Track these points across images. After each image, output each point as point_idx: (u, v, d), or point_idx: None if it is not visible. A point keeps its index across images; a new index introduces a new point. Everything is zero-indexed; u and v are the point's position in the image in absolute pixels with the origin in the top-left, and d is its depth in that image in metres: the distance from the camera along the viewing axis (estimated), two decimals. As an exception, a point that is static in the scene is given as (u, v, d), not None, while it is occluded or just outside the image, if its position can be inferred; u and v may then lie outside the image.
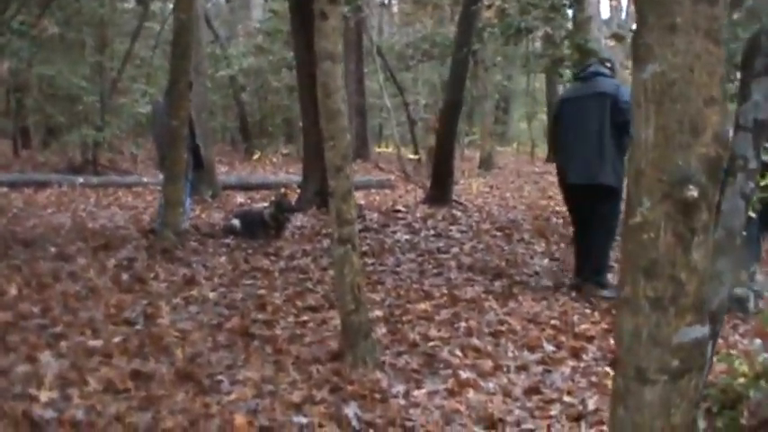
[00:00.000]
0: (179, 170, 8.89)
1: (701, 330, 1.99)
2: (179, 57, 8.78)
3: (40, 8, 13.58)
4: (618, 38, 12.14)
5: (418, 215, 12.17)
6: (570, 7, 11.87)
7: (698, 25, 1.88)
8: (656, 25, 1.93)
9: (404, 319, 6.12)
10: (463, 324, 6.00)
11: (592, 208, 7.21)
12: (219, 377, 4.69)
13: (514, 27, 10.42)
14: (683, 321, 1.95)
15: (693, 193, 1.86)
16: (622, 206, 6.97)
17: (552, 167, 22.73)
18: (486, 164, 23.60)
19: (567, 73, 12.23)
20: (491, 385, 4.75)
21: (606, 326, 6.09)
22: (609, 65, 7.42)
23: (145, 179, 16.85)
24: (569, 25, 12.63)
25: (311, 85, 11.97)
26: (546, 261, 8.77)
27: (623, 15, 33.10)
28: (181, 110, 8.73)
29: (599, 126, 6.97)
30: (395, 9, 29.08)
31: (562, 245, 9.76)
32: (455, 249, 9.33)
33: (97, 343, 5.26)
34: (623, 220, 2.05)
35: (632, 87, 2.00)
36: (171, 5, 21.44)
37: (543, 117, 33.31)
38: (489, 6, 12.95)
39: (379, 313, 6.14)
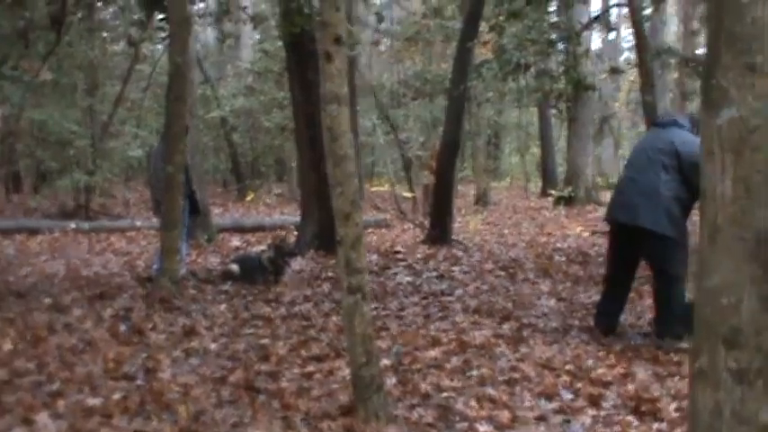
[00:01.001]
0: (175, 217, 8.70)
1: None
2: (174, 100, 8.62)
3: (39, 56, 13.49)
4: (617, 71, 12.10)
5: (418, 256, 11.98)
6: (567, 42, 11.79)
7: (780, 65, 1.70)
8: (732, 65, 1.74)
9: (413, 367, 5.91)
10: (475, 372, 5.79)
11: (639, 255, 7.01)
12: (226, 437, 4.48)
13: (513, 63, 10.31)
14: (771, 397, 1.75)
15: (781, 252, 1.67)
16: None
17: (547, 203, 22.77)
18: (483, 200, 23.49)
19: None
20: (510, 439, 4.55)
21: (622, 370, 5.90)
22: (691, 120, 7.23)
23: (138, 223, 16.64)
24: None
25: (307, 125, 11.91)
26: (553, 301, 8.58)
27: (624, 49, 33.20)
28: (177, 155, 8.55)
29: (656, 172, 6.69)
30: (382, 48, 29.07)
31: (568, 284, 9.58)
32: (459, 291, 9.14)
33: (96, 401, 5.05)
34: (697, 283, 1.84)
35: (703, 134, 1.80)
36: (161, 47, 21.45)
37: (536, 151, 33.36)
38: (485, 43, 12.88)
39: (386, 362, 5.93)
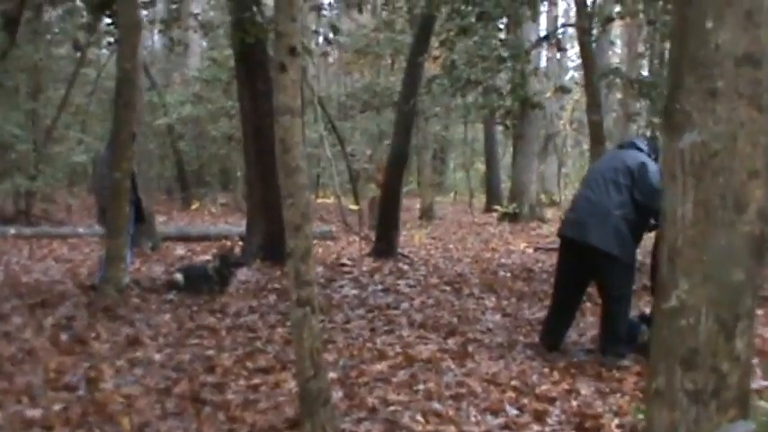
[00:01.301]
0: (121, 224, 8.59)
1: (746, 426, 1.81)
2: (123, 106, 8.53)
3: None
4: (565, 90, 12.22)
5: (364, 269, 11.96)
6: (516, 60, 11.89)
7: (741, 91, 1.72)
8: (695, 89, 1.76)
9: (360, 381, 5.89)
10: (422, 386, 5.78)
11: (589, 276, 7.05)
12: (170, 449, 4.42)
13: (464, 79, 10.37)
14: (725, 416, 1.76)
15: (740, 275, 1.69)
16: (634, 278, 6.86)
17: (491, 219, 22.90)
18: (428, 214, 23.55)
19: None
20: (457, 454, 4.55)
21: (567, 386, 5.94)
22: (649, 144, 7.29)
23: (80, 230, 16.41)
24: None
25: (255, 136, 11.85)
26: (498, 317, 8.61)
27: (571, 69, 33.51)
28: (124, 161, 8.45)
29: (609, 191, 6.74)
30: (330, 59, 29.04)
31: (512, 299, 9.64)
32: (405, 305, 9.14)
33: (36, 412, 4.96)
34: (655, 303, 1.86)
35: (665, 158, 1.82)
36: (106, 51, 21.21)
37: (481, 166, 33.56)
38: (435, 58, 12.93)
39: (333, 375, 5.90)
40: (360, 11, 11.92)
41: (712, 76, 1.76)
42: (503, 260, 13.90)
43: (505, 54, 11.47)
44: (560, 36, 12.02)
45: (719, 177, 1.73)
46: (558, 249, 7.42)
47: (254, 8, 9.98)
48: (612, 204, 6.67)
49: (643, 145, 7.15)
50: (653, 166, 6.92)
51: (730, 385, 1.77)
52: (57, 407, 5.06)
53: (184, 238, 15.97)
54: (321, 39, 16.52)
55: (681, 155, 1.80)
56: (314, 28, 17.62)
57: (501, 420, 5.15)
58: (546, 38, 12.02)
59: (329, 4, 17.22)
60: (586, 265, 6.91)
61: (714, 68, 1.76)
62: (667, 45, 16.34)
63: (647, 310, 7.72)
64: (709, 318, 1.74)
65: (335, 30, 11.94)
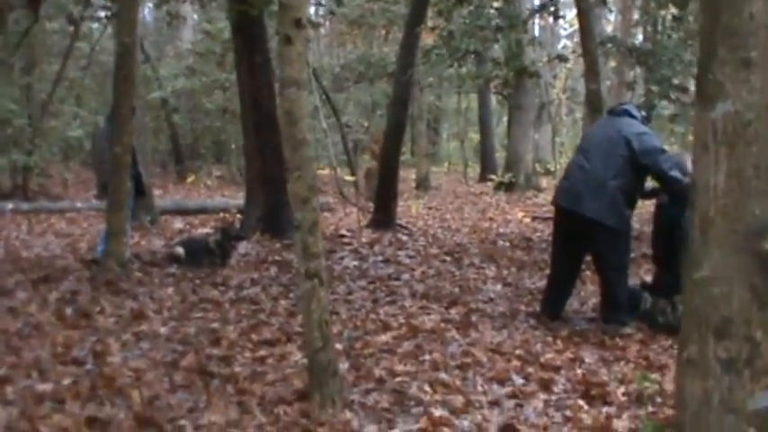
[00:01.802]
0: (123, 198, 8.59)
1: (780, 394, 1.83)
2: (122, 80, 8.49)
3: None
4: (562, 59, 12.19)
5: (364, 240, 11.98)
6: (512, 29, 11.85)
7: (775, 60, 1.73)
8: (728, 60, 1.76)
9: (365, 352, 5.92)
10: (428, 357, 5.82)
11: (585, 244, 7.05)
12: (182, 422, 4.44)
13: (462, 49, 10.34)
14: (759, 385, 1.78)
15: (773, 244, 1.70)
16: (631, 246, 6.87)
17: (487, 188, 22.92)
18: (423, 185, 23.56)
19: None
20: (465, 423, 4.58)
21: (571, 355, 5.98)
22: (644, 113, 7.30)
23: (78, 204, 16.38)
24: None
25: (253, 108, 11.83)
26: (499, 287, 8.66)
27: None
28: (124, 136, 8.43)
29: (604, 161, 6.75)
30: (322, 31, 28.92)
31: (513, 269, 9.68)
32: (406, 276, 9.17)
33: (46, 387, 4.97)
34: (687, 273, 1.87)
35: (697, 128, 1.83)
36: (97, 25, 21.07)
37: (475, 136, 33.55)
38: (433, 29, 12.89)
39: (338, 346, 5.93)
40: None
41: (746, 45, 1.76)
42: (501, 230, 13.94)
43: (503, 24, 11.42)
44: (557, 5, 11.96)
45: (753, 147, 1.74)
46: (553, 218, 7.44)
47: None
48: (608, 175, 6.68)
49: (635, 111, 7.16)
50: (647, 132, 6.94)
51: (763, 353, 1.78)
52: (66, 381, 5.08)
53: (182, 212, 15.96)
54: (321, 11, 16.42)
55: (713, 125, 1.80)
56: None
57: (508, 389, 5.19)
58: (543, 7, 11.98)
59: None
60: (581, 234, 6.93)
61: (748, 38, 1.76)
62: (662, 12, 16.31)
63: (648, 279, 7.77)
64: (742, 286, 1.75)
65: (339, 1, 11.89)
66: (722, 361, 1.79)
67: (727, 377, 1.79)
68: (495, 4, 13.15)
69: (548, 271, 8.56)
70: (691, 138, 25.34)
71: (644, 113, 7.26)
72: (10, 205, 15.80)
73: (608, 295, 6.89)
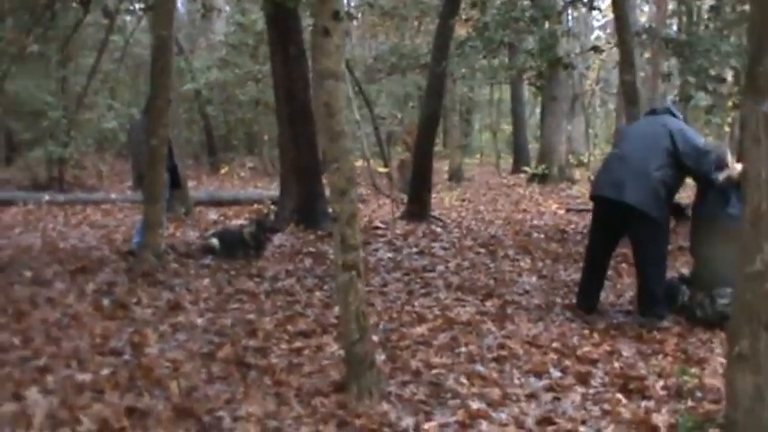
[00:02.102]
0: (159, 190, 8.63)
1: (831, 390, 1.80)
2: (160, 73, 8.52)
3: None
4: (597, 50, 12.11)
5: (398, 231, 11.98)
6: (547, 20, 11.79)
7: (828, 52, 1.70)
8: (779, 52, 1.73)
9: (401, 344, 5.91)
10: (464, 349, 5.81)
11: (621, 236, 7.08)
12: (220, 413, 4.45)
13: (497, 41, 10.30)
14: (814, 381, 1.76)
15: (828, 238, 1.67)
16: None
17: (520, 180, 22.84)
18: (456, 176, 23.51)
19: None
20: (503, 416, 4.57)
21: (608, 348, 5.95)
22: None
23: (113, 196, 16.52)
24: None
25: (288, 100, 11.84)
26: (534, 279, 8.62)
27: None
28: (160, 128, 8.47)
29: (647, 153, 6.70)
30: (354, 22, 28.93)
31: (548, 261, 9.63)
32: (441, 267, 9.15)
33: (86, 377, 5.01)
34: (738, 267, 1.84)
35: (746, 121, 1.80)
36: (129, 18, 21.16)
37: (507, 128, 33.45)
38: (467, 20, 12.84)
39: (374, 338, 5.92)
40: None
41: (799, 37, 1.74)
42: (535, 222, 13.89)
43: (537, 15, 11.36)
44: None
45: (806, 140, 1.72)
46: (592, 210, 7.38)
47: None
48: (652, 166, 6.63)
49: (677, 111, 7.17)
50: (690, 129, 6.93)
51: (818, 349, 1.76)
52: (105, 371, 5.11)
53: (216, 203, 16.05)
54: (355, 2, 16.38)
55: (765, 118, 1.77)
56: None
57: (545, 382, 5.17)
58: (579, -3, 11.91)
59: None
60: (621, 225, 6.90)
61: (802, 29, 1.74)
62: (698, 2, 16.15)
63: (685, 271, 7.70)
64: (796, 282, 1.73)
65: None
66: (775, 357, 1.77)
67: (780, 373, 1.77)
68: (530, -4, 13.09)
69: (582, 263, 8.54)
70: (726, 129, 25.12)
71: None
72: (46, 197, 15.97)
73: (645, 288, 6.83)
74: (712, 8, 12.28)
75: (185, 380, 4.98)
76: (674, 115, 7.06)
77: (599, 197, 7.01)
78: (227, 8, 26.13)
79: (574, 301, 7.33)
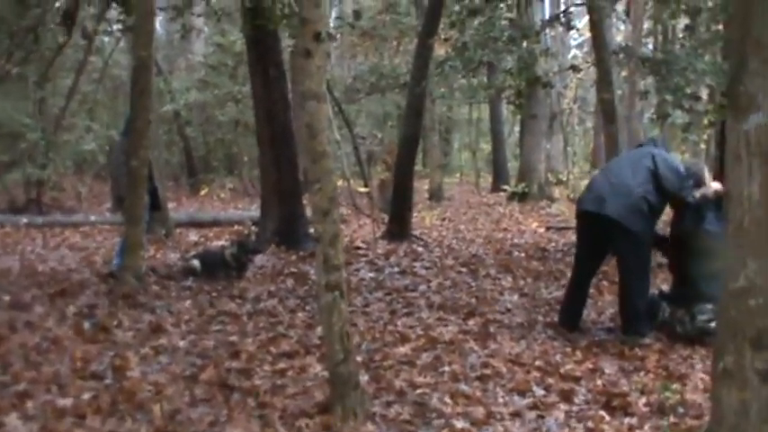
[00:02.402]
0: (139, 212, 8.60)
1: (817, 406, 1.82)
2: (139, 94, 8.51)
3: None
4: (575, 69, 12.19)
5: (379, 251, 11.98)
6: (526, 40, 11.88)
7: (807, 71, 1.73)
8: (760, 72, 1.76)
9: (385, 364, 5.92)
10: (447, 368, 5.82)
11: (604, 250, 7.21)
12: (204, 436, 4.44)
13: (476, 60, 10.35)
14: (797, 397, 1.77)
15: (811, 255, 1.70)
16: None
17: (499, 198, 22.89)
18: (437, 195, 23.54)
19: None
20: (488, 435, 4.57)
21: (590, 365, 5.97)
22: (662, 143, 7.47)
23: (92, 218, 16.42)
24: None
25: (268, 121, 11.85)
26: (516, 297, 8.64)
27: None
28: (141, 149, 8.45)
29: (630, 172, 6.84)
30: (334, 43, 29.00)
31: (529, 279, 9.66)
32: (423, 287, 9.16)
33: (67, 401, 4.97)
34: (723, 284, 1.86)
35: (729, 139, 1.82)
36: (107, 39, 21.11)
37: (486, 146, 33.54)
38: (446, 40, 12.90)
39: (358, 359, 5.92)
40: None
41: (780, 56, 1.77)
42: (515, 240, 13.92)
43: (516, 35, 11.44)
44: (570, 15, 11.97)
45: (786, 157, 1.74)
46: (576, 228, 7.44)
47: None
48: (634, 183, 6.74)
49: (660, 142, 7.29)
50: (673, 156, 7.06)
51: (802, 365, 1.78)
52: (86, 396, 5.07)
53: (196, 224, 15.98)
54: (333, 22, 16.44)
55: (746, 136, 1.80)
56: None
57: (529, 400, 5.19)
58: (557, 17, 11.99)
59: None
60: (604, 240, 6.96)
61: (782, 48, 1.77)
62: (673, 21, 16.29)
63: (665, 288, 7.74)
64: (780, 297, 1.75)
65: (358, 15, 11.93)
66: (760, 372, 1.79)
67: (765, 388, 1.79)
68: (508, 15, 13.18)
69: (564, 281, 8.58)
70: (703, 146, 25.28)
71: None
72: (24, 219, 15.84)
73: (627, 304, 6.86)
74: (687, 27, 12.40)
75: (168, 403, 4.95)
76: (657, 145, 7.22)
77: (582, 212, 7.06)
78: (206, 29, 26.14)
79: (556, 318, 7.36)
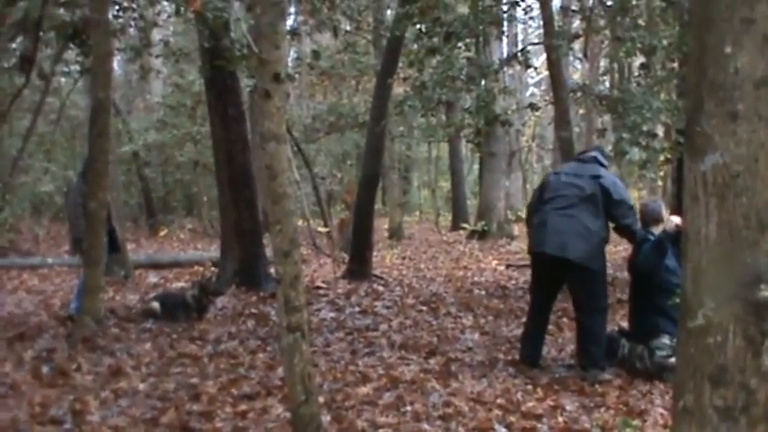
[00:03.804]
0: (98, 254, 8.53)
1: (775, 442, 1.86)
2: (98, 136, 8.47)
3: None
4: (534, 107, 12.33)
5: (340, 291, 11.96)
6: (485, 79, 12.00)
7: (761, 113, 1.78)
8: (715, 113, 1.82)
9: (347, 404, 5.90)
10: (409, 408, 5.81)
11: (559, 286, 7.27)
12: (165, 480, 4.40)
13: (435, 99, 10.45)
14: (755, 432, 1.81)
15: (765, 293, 1.74)
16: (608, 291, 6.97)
17: (459, 237, 22.98)
18: (397, 234, 23.56)
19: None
20: (450, 475, 4.57)
21: (552, 402, 5.99)
22: (604, 154, 7.52)
23: (49, 260, 16.24)
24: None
25: (228, 161, 11.84)
26: (477, 335, 8.66)
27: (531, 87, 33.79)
28: (99, 191, 8.40)
29: (584, 205, 6.88)
30: (292, 84, 29.09)
31: (489, 317, 9.69)
32: (384, 326, 9.16)
33: (24, 448, 4.91)
34: (681, 322, 1.90)
35: (687, 179, 1.87)
36: (64, 80, 21.01)
37: (445, 185, 33.71)
38: (405, 79, 13.00)
39: (320, 399, 5.90)
40: (335, 35, 11.94)
41: (732, 99, 1.82)
42: (476, 278, 13.96)
43: (474, 74, 11.57)
44: (528, 54, 12.13)
45: (742, 198, 1.79)
46: (532, 265, 7.47)
47: (231, 35, 9.94)
48: (589, 221, 6.81)
49: (603, 158, 7.32)
50: (617, 181, 7.12)
51: (759, 401, 1.81)
52: (45, 441, 5.02)
53: (156, 266, 15.84)
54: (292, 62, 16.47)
55: (703, 177, 1.85)
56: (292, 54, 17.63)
57: (491, 439, 5.19)
58: (515, 56, 12.15)
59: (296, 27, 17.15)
60: (561, 278, 7.01)
61: (734, 92, 1.82)
62: (629, 60, 16.54)
63: (624, 324, 7.81)
64: (737, 335, 1.79)
65: (317, 56, 11.98)
66: (719, 409, 1.82)
67: (723, 425, 1.82)
68: (466, 54, 13.32)
69: (524, 319, 8.65)
70: (660, 183, 25.58)
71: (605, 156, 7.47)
72: (-20, 262, 15.64)
73: (587, 341, 6.90)
74: (643, 66, 12.61)
75: (128, 447, 4.90)
76: (601, 164, 7.23)
77: (540, 253, 7.09)
78: (165, 69, 26.15)
79: (517, 356, 7.38)
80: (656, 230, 6.96)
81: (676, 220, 6.94)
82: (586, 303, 6.93)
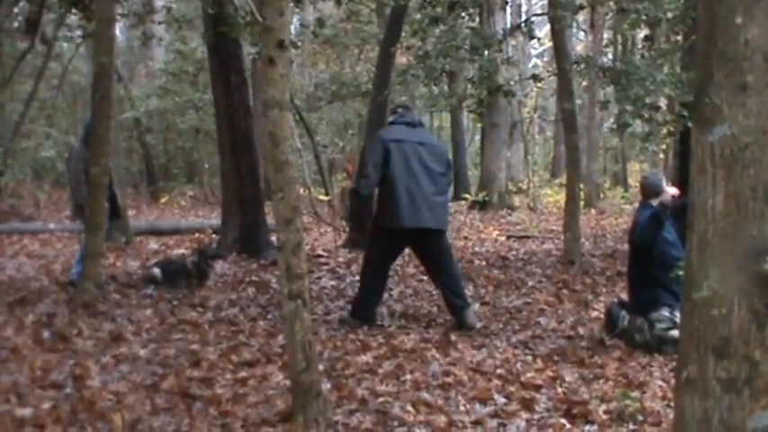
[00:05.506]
0: (99, 220, 8.54)
1: (778, 413, 1.86)
2: (100, 101, 8.46)
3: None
4: (537, 78, 12.29)
5: (340, 259, 11.97)
6: (488, 49, 11.95)
7: (771, 84, 1.77)
8: (724, 84, 1.80)
9: (347, 373, 5.92)
10: (408, 376, 5.82)
11: (427, 248, 7.72)
12: (165, 445, 4.42)
13: (438, 69, 10.41)
14: (758, 405, 1.81)
15: (771, 265, 1.74)
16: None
17: (460, 207, 22.98)
18: (398, 204, 23.51)
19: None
20: (449, 443, 4.59)
21: (551, 373, 6.00)
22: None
23: (51, 225, 16.26)
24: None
25: (229, 128, 11.81)
26: (477, 305, 8.66)
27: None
28: (101, 156, 8.39)
29: (439, 179, 7.54)
30: (295, 51, 28.99)
31: (489, 288, 9.70)
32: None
33: (26, 411, 4.91)
34: (685, 293, 1.89)
35: (694, 151, 1.86)
36: (66, 45, 20.98)
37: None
38: (408, 48, 12.95)
39: (320, 367, 5.92)
40: (339, 3, 11.86)
41: (742, 70, 1.81)
42: (476, 249, 13.97)
43: (477, 44, 11.51)
44: (532, 24, 12.07)
45: (750, 169, 1.78)
46: (393, 238, 7.62)
47: (234, 2, 9.90)
48: (446, 189, 7.72)
49: (424, 121, 7.88)
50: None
51: (762, 373, 1.81)
52: (46, 405, 5.02)
53: (156, 232, 15.88)
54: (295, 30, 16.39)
55: (711, 148, 1.84)
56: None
57: (490, 409, 5.20)
58: (518, 26, 12.09)
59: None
60: (426, 243, 7.64)
61: (744, 63, 1.81)
62: (633, 32, 16.48)
63: (624, 296, 7.82)
64: (742, 307, 1.79)
65: (321, 23, 11.92)
66: (722, 381, 1.82)
67: (726, 397, 1.82)
68: (470, 24, 13.26)
69: (524, 290, 8.72)
70: (661, 156, 25.54)
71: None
72: (-19, 226, 15.67)
73: (459, 283, 7.71)
74: (646, 38, 12.56)
75: (129, 412, 4.92)
76: (423, 126, 8.12)
77: (404, 228, 7.41)
78: (167, 36, 26.06)
79: (517, 327, 7.44)
80: (655, 202, 6.97)
81: (672, 190, 6.94)
82: (451, 257, 7.89)
